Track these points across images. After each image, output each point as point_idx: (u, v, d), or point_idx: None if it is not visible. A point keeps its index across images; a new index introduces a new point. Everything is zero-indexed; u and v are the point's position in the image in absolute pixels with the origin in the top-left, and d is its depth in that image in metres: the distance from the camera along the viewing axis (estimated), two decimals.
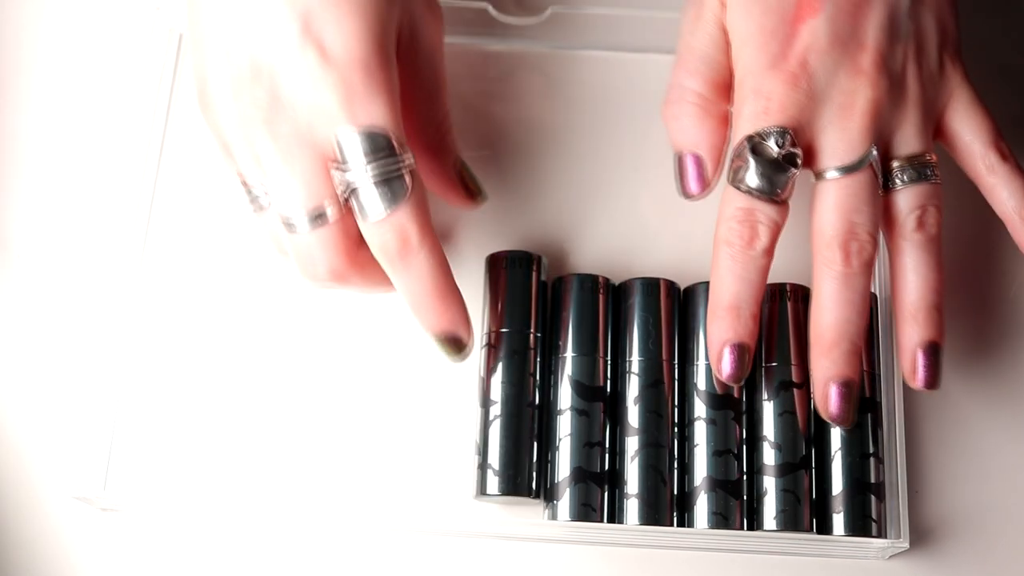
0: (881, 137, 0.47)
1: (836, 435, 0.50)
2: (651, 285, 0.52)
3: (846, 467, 0.50)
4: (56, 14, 0.59)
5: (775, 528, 0.49)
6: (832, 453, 0.50)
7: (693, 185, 0.50)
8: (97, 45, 0.58)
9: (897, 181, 0.48)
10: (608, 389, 0.51)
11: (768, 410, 0.50)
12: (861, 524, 0.49)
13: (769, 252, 0.47)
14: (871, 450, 0.50)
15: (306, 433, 0.52)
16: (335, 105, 0.43)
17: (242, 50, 0.44)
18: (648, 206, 0.56)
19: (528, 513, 0.51)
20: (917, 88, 0.48)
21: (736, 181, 0.47)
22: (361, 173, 0.44)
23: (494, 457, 0.49)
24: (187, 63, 0.56)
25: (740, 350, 0.47)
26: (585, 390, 0.50)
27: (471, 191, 0.52)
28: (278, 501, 0.51)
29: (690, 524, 0.49)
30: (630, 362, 0.51)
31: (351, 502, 0.51)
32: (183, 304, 0.54)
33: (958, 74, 0.50)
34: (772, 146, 0.46)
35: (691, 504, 0.50)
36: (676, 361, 0.51)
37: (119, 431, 0.52)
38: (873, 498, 0.50)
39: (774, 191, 0.46)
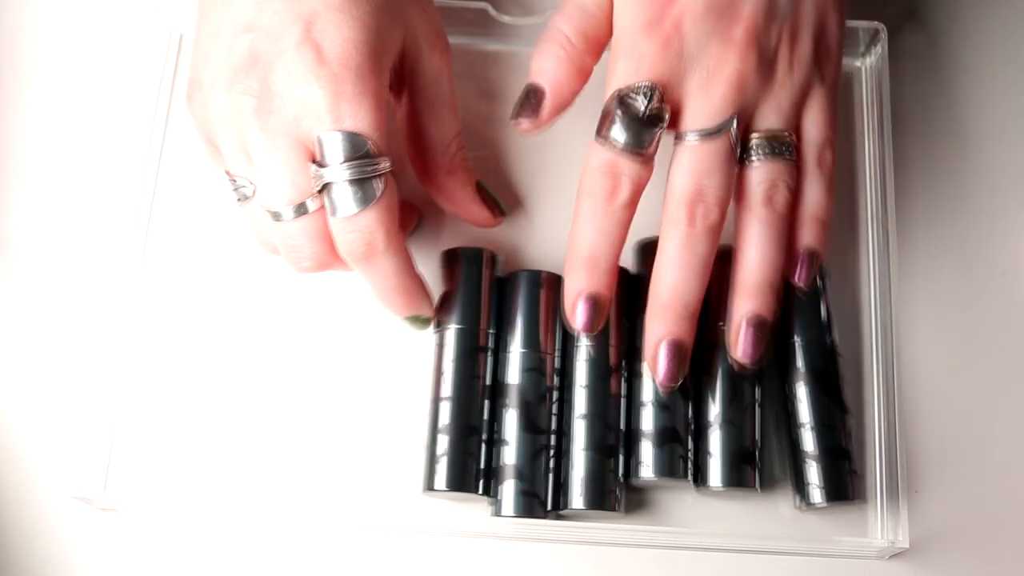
0: (744, 109, 0.48)
1: (804, 409, 0.51)
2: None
3: (817, 436, 0.50)
4: (56, 14, 0.59)
5: (720, 486, 0.49)
6: (801, 424, 0.51)
7: (525, 114, 0.50)
8: (97, 45, 0.58)
9: (753, 156, 0.48)
10: (556, 382, 0.51)
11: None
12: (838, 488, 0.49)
13: (630, 206, 0.47)
14: (826, 419, 0.50)
15: (304, 433, 0.52)
16: (323, 104, 0.45)
17: (243, 41, 0.46)
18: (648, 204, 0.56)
19: (475, 509, 0.51)
20: (787, 69, 0.49)
21: (602, 135, 0.47)
22: (337, 171, 0.45)
23: (442, 452, 0.49)
24: (187, 61, 0.56)
25: (595, 300, 0.48)
26: (533, 385, 0.50)
27: (492, 210, 0.54)
28: (275, 502, 0.51)
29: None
30: (578, 347, 0.51)
31: (344, 501, 0.51)
32: (183, 305, 0.54)
33: (826, 70, 0.50)
34: (640, 102, 0.47)
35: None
36: (624, 347, 0.51)
37: (119, 431, 0.52)
38: (846, 463, 0.50)
39: (639, 146, 0.47)
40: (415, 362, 0.53)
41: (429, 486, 0.50)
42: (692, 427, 0.50)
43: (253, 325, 0.53)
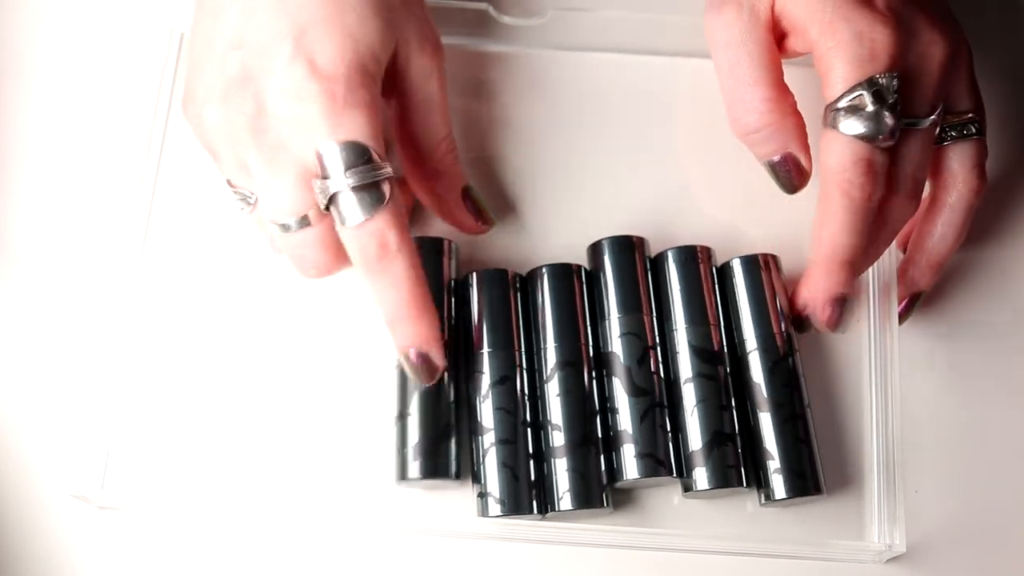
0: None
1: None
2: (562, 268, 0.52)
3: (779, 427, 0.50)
4: (56, 14, 0.59)
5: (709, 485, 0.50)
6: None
7: (798, 182, 0.50)
8: (97, 45, 0.58)
9: (948, 137, 0.51)
10: (527, 379, 0.51)
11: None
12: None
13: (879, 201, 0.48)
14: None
15: (299, 432, 0.52)
16: (317, 117, 0.45)
17: (236, 56, 0.46)
18: (650, 203, 0.56)
19: (461, 508, 0.51)
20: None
21: (852, 128, 0.47)
22: (340, 181, 0.45)
23: (413, 440, 0.50)
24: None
25: (846, 301, 0.50)
26: (505, 385, 0.51)
27: (480, 217, 0.54)
28: (273, 500, 0.51)
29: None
30: (545, 348, 0.51)
31: (343, 501, 0.51)
32: (182, 303, 0.54)
33: None
34: (891, 92, 0.47)
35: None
36: (591, 343, 0.52)
37: (117, 429, 0.52)
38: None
39: (892, 136, 0.47)
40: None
41: (402, 476, 0.50)
42: (669, 427, 0.50)
43: (249, 325, 0.54)
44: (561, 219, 0.56)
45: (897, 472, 0.50)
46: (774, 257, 0.53)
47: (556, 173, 0.56)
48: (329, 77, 0.45)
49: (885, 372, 0.52)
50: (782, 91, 0.49)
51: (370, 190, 0.45)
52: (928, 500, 0.52)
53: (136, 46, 0.58)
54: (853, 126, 0.47)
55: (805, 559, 0.51)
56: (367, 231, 0.45)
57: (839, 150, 0.48)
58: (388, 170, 0.46)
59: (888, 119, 0.47)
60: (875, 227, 0.49)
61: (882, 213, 0.49)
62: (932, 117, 0.48)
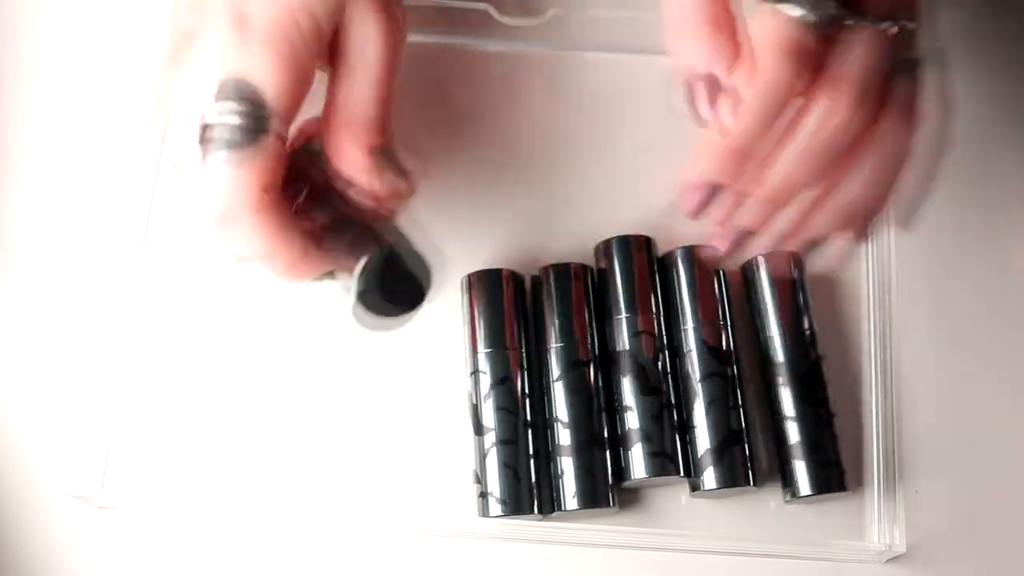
0: None
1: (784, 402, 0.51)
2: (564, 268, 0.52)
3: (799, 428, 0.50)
4: (57, 14, 0.59)
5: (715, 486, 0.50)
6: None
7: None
8: (97, 45, 0.58)
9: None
10: (529, 379, 0.51)
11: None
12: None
13: None
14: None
15: (300, 432, 0.52)
16: (226, 54, 0.43)
17: (185, 17, 0.44)
18: (656, 203, 0.56)
19: (463, 509, 0.51)
20: None
21: (789, 7, 0.43)
22: (221, 114, 0.42)
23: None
24: None
25: (714, 194, 0.45)
26: (505, 385, 0.51)
27: (381, 182, 0.46)
28: (274, 500, 0.51)
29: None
30: (552, 348, 0.51)
31: (342, 501, 0.51)
32: (182, 303, 0.54)
33: None
34: None
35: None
36: (597, 343, 0.52)
37: (117, 429, 0.52)
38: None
39: (827, 26, 0.43)
40: (413, 363, 0.53)
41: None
42: (676, 426, 0.50)
43: (248, 325, 0.54)
44: (567, 219, 0.56)
45: (897, 472, 0.50)
46: (797, 255, 0.52)
47: (561, 173, 0.56)
48: (253, 27, 0.43)
49: (885, 372, 0.52)
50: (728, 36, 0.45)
51: (241, 131, 0.42)
52: (928, 500, 0.52)
53: (136, 46, 0.58)
54: (790, 6, 0.43)
55: (805, 559, 0.51)
56: (220, 179, 0.42)
57: (772, 28, 0.44)
58: (272, 123, 0.43)
59: (830, 6, 0.43)
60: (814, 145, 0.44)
61: (808, 113, 0.44)
62: (888, 24, 0.44)
